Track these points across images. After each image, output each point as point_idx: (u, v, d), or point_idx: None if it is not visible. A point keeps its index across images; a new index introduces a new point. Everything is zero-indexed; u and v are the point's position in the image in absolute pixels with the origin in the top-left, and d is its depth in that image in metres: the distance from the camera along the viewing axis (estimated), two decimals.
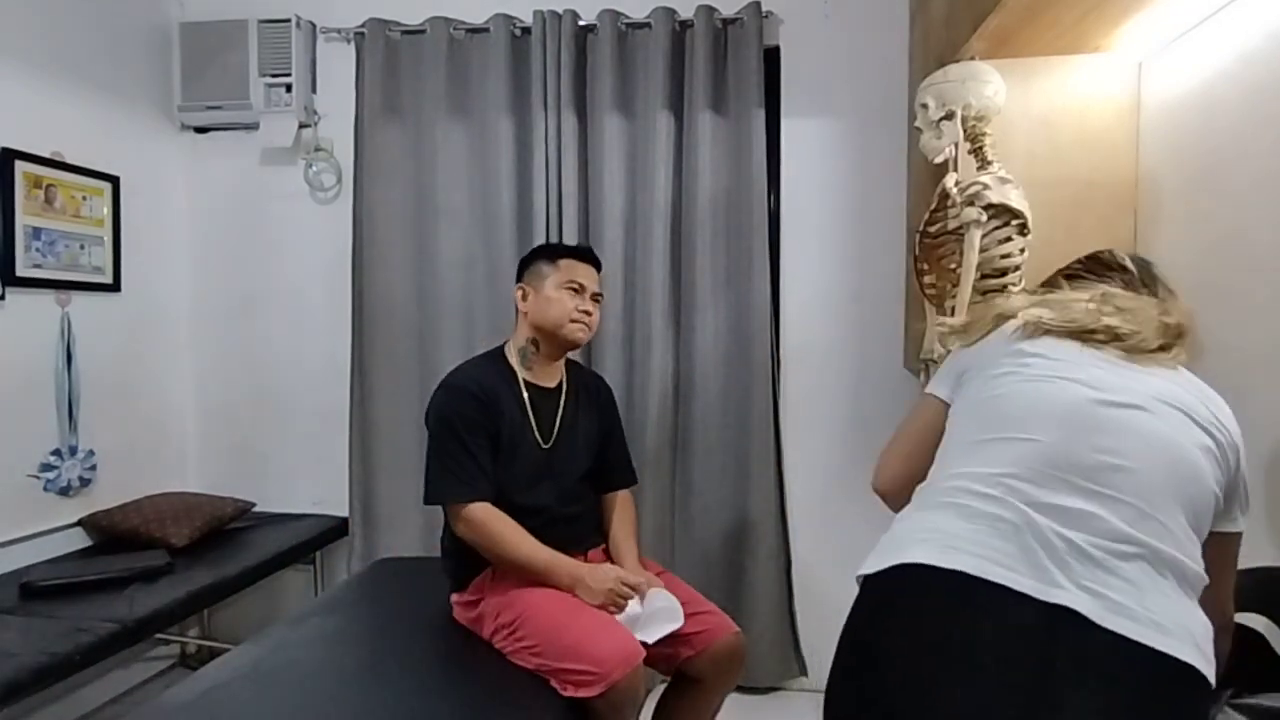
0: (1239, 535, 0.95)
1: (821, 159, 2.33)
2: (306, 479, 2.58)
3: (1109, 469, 0.84)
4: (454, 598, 1.61)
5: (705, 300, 2.30)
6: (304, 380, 2.58)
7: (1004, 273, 1.41)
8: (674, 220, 2.32)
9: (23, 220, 2.07)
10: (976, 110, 1.44)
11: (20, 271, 2.06)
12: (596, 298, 1.69)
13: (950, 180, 1.45)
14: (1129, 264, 1.13)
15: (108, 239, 2.33)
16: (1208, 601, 0.83)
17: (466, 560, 1.57)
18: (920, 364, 1.72)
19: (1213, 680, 0.78)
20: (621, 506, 1.77)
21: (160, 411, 2.54)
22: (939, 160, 1.50)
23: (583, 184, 2.35)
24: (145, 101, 2.46)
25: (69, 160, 2.20)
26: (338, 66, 2.49)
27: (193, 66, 2.50)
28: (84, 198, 2.25)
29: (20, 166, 2.06)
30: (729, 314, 2.32)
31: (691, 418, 2.32)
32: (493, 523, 1.51)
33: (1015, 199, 1.38)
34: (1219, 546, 0.91)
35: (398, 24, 2.41)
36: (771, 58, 2.32)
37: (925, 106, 1.48)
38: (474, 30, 2.38)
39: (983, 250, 1.38)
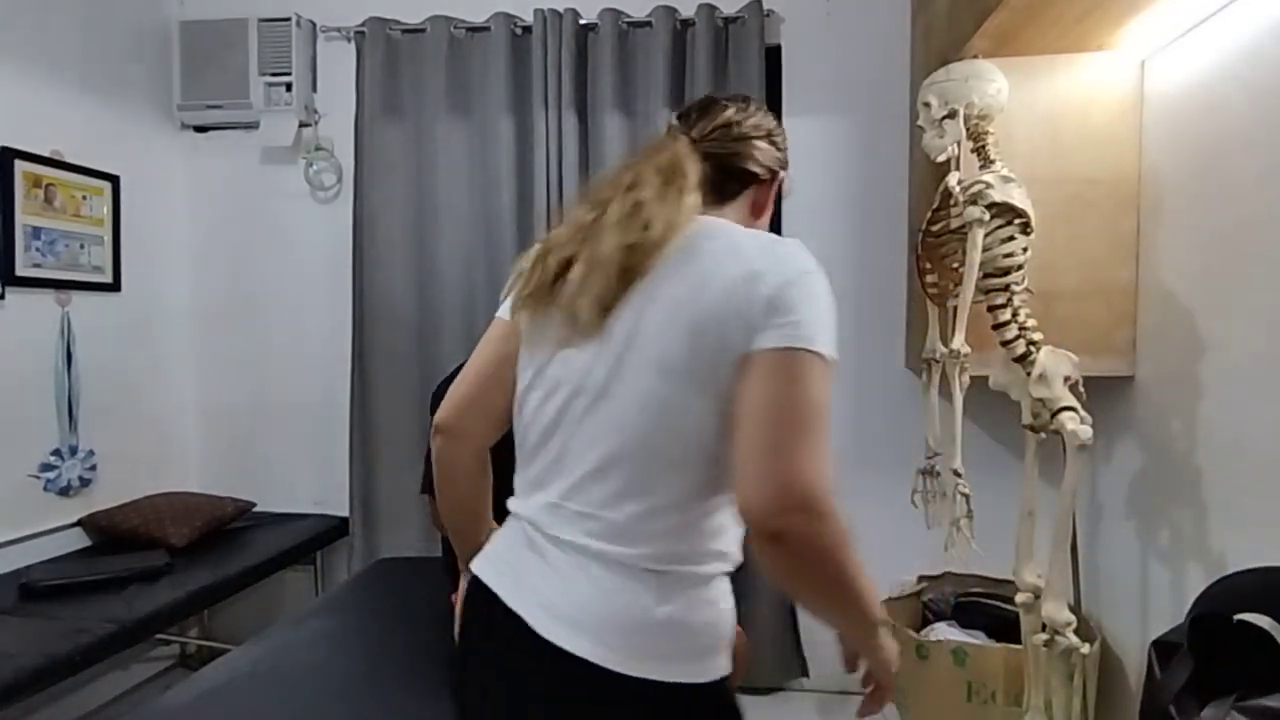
0: (779, 352, 0.73)
1: (823, 158, 2.33)
2: (307, 479, 2.57)
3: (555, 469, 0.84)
4: (454, 597, 1.60)
5: None
6: (304, 380, 2.58)
7: (1006, 272, 1.40)
8: None
9: (22, 220, 2.07)
10: (979, 109, 1.44)
11: (20, 271, 2.06)
12: None
13: (953, 179, 1.45)
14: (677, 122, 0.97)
15: (107, 238, 2.33)
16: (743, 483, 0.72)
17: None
18: (922, 363, 1.72)
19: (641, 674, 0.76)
20: None
21: (160, 411, 2.53)
22: (941, 159, 1.50)
23: (583, 183, 2.34)
24: (145, 101, 2.46)
25: (69, 160, 2.19)
26: (338, 65, 2.48)
27: (193, 66, 2.50)
28: (84, 197, 2.25)
29: (20, 166, 2.05)
30: None
31: None
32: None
33: (1018, 198, 1.37)
34: (746, 379, 0.73)
35: (398, 23, 2.40)
36: (773, 57, 2.32)
37: (928, 105, 1.47)
38: (474, 29, 2.37)
39: (985, 249, 1.38)
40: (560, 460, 0.82)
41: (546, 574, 0.80)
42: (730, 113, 0.93)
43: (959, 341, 1.41)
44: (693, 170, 0.87)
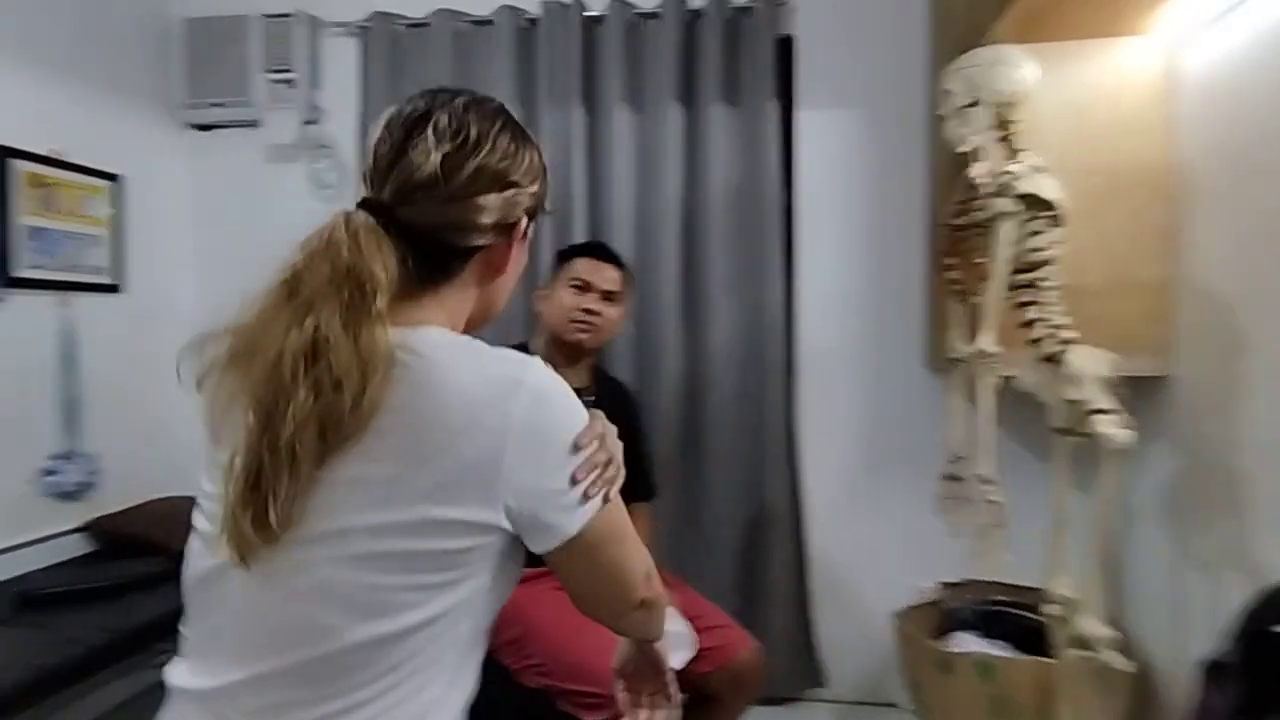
0: (570, 540, 0.68)
1: (838, 151, 2.25)
2: None
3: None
4: None
5: (718, 299, 2.24)
6: None
7: (1035, 267, 1.33)
8: (685, 217, 2.25)
9: (21, 220, 2.03)
10: (1005, 96, 1.37)
11: (19, 272, 2.02)
12: (609, 296, 1.60)
13: (978, 170, 1.38)
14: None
15: (109, 239, 2.29)
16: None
17: None
18: (945, 364, 1.65)
19: None
20: (638, 520, 1.69)
21: (165, 414, 2.49)
22: (965, 149, 1.43)
23: (591, 180, 2.29)
24: (147, 99, 2.42)
25: (69, 159, 2.16)
26: (341, 62, 2.44)
27: (195, 63, 2.46)
28: (85, 197, 2.21)
29: (19, 165, 2.01)
30: (742, 313, 2.25)
31: (704, 420, 2.25)
32: None
33: (1048, 189, 1.30)
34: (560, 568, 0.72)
35: (402, 17, 2.36)
36: (785, 47, 2.25)
37: (950, 93, 1.41)
38: (479, 22, 2.32)
39: (1013, 244, 1.31)
40: None
41: None
42: (434, 157, 0.67)
43: (987, 341, 1.34)
44: (380, 269, 0.64)
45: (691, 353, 2.28)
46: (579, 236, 2.25)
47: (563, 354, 1.59)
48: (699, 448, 2.27)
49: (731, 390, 2.24)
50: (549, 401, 0.68)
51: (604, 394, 1.68)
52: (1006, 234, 1.30)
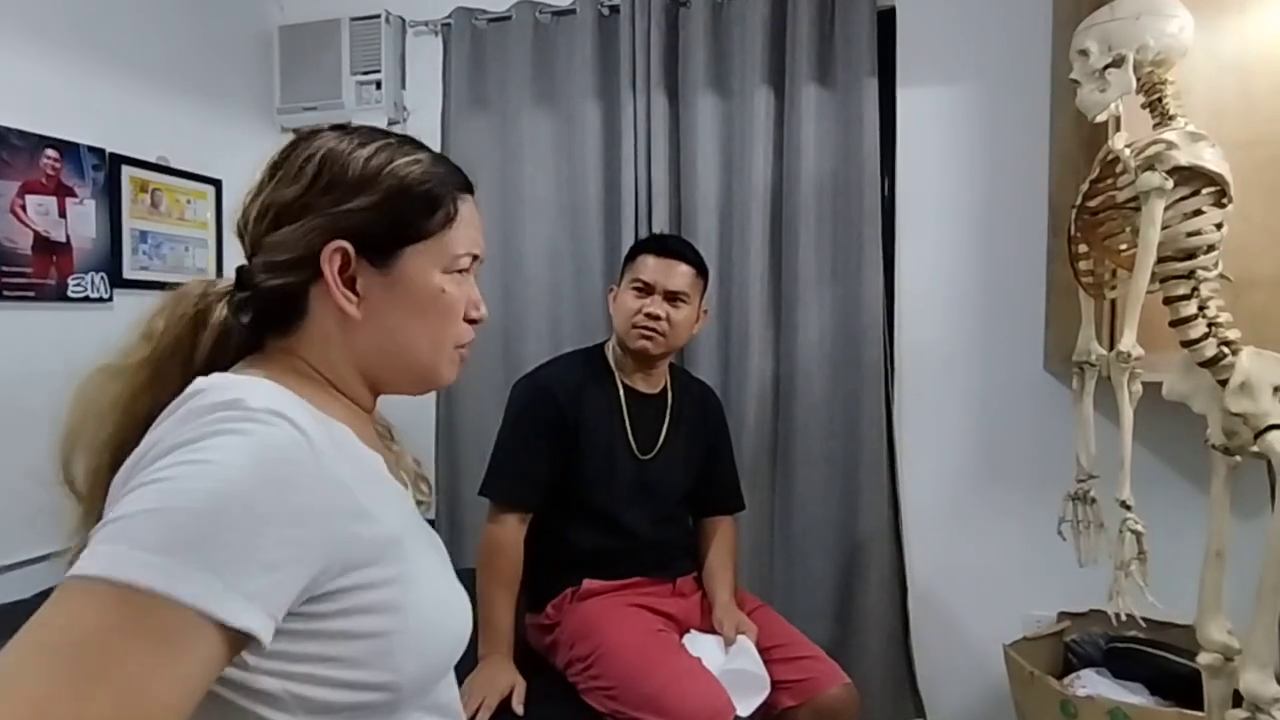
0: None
1: (944, 131, 2.05)
2: None
3: None
4: (528, 618, 1.48)
5: (809, 295, 2.08)
6: None
7: (1192, 254, 1.12)
8: (774, 206, 2.11)
9: (130, 224, 2.13)
10: (1155, 53, 1.15)
11: (128, 274, 2.12)
12: (676, 298, 1.44)
13: (1120, 140, 1.18)
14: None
15: (211, 241, 2.38)
16: None
17: (544, 577, 1.44)
18: (1072, 367, 1.44)
19: None
20: (722, 534, 1.58)
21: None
22: (1102, 118, 1.23)
23: (673, 169, 2.18)
24: (246, 105, 2.50)
25: (174, 165, 2.25)
26: (425, 60, 2.44)
27: (290, 68, 2.52)
28: (188, 201, 2.30)
29: (127, 171, 2.11)
30: (836, 309, 2.09)
31: (793, 425, 2.10)
32: (495, 556, 1.34)
33: (1210, 160, 1.09)
34: None
35: (484, 12, 2.33)
36: (886, 20, 2.06)
37: (1085, 53, 1.21)
38: (560, 13, 2.25)
39: (1165, 226, 1.10)
40: None
41: None
42: (244, 209, 0.68)
43: (1129, 342, 1.14)
44: (166, 322, 0.64)
45: (779, 354, 2.13)
46: (660, 229, 2.15)
47: (632, 359, 1.49)
48: (787, 457, 2.12)
49: (823, 394, 2.08)
50: (195, 420, 0.53)
51: (685, 395, 1.56)
52: (1155, 215, 1.09)
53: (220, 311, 0.65)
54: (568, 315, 2.26)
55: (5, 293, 1.80)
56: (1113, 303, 1.47)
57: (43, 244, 1.89)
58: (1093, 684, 1.69)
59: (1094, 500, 1.43)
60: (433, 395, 2.38)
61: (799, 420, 2.10)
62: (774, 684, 1.28)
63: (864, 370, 2.05)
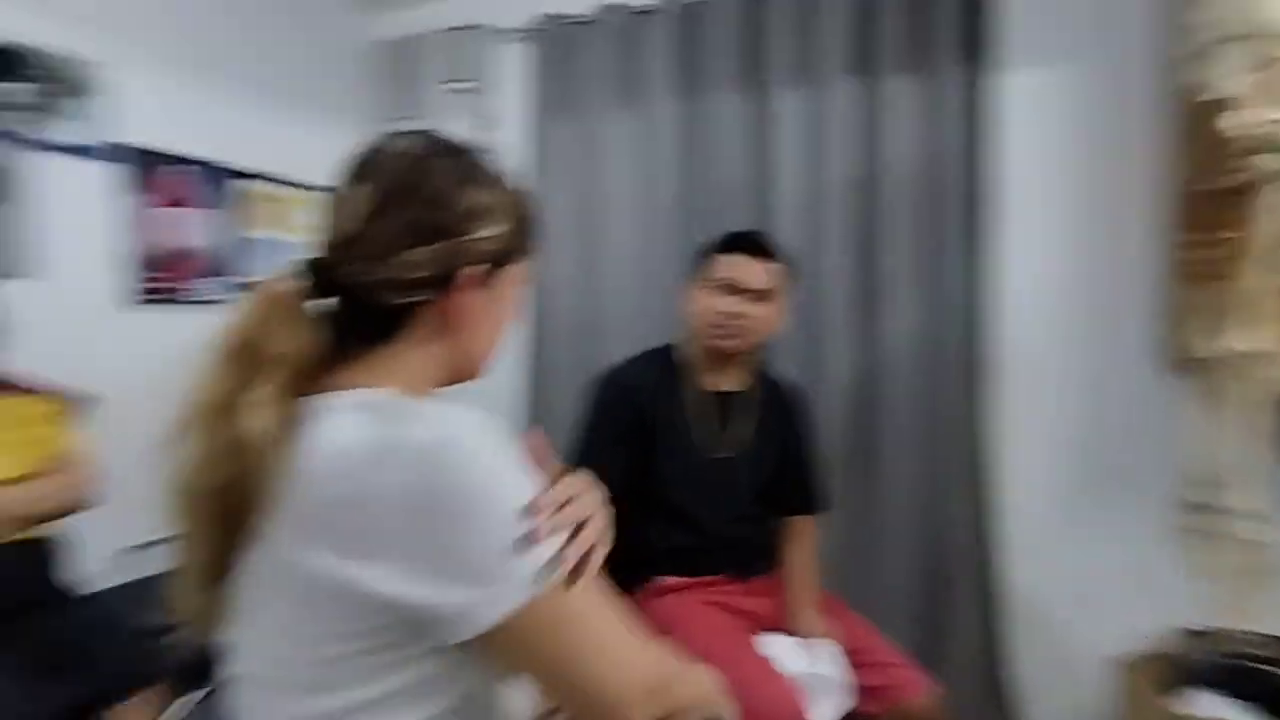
0: (490, 633, 0.57)
1: (1046, 114, 1.93)
2: None
3: None
4: None
5: (897, 290, 2.02)
6: (493, 381, 2.63)
7: None
8: (858, 200, 2.06)
9: (248, 233, 2.31)
10: (1270, 27, 1.06)
11: (244, 278, 2.30)
12: (756, 295, 1.42)
13: (1234, 120, 1.09)
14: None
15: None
16: None
17: (623, 571, 1.46)
18: (1190, 364, 1.33)
19: None
20: (803, 534, 1.55)
21: None
22: (1214, 97, 1.14)
23: (754, 164, 2.16)
24: (349, 118, 2.64)
25: (286, 176, 2.42)
26: (513, 67, 2.51)
27: (391, 81, 2.66)
28: (299, 209, 2.47)
29: (245, 183, 2.29)
30: (926, 305, 2.01)
31: (879, 426, 2.05)
32: None
33: None
34: None
35: (568, 16, 2.38)
36: (976, 2, 1.96)
37: (1196, 28, 1.12)
38: (642, 11, 2.27)
39: None
40: None
41: None
42: (357, 213, 0.65)
43: (1250, 336, 1.06)
44: (280, 344, 0.62)
45: (865, 351, 2.08)
46: (740, 227, 2.14)
47: (711, 359, 1.49)
48: (871, 456, 2.06)
49: (911, 393, 2.02)
50: (443, 464, 0.57)
51: (765, 396, 1.55)
52: (1274, 199, 1.00)
53: (310, 319, 0.65)
54: (648, 316, 2.28)
55: (147, 296, 2.01)
56: (1236, 296, 1.35)
57: (176, 252, 2.09)
58: (1210, 706, 1.57)
59: (1212, 509, 1.32)
60: (521, 397, 2.45)
61: (885, 421, 2.04)
62: (855, 690, 1.26)
63: (956, 368, 1.97)
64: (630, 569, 1.44)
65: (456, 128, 2.50)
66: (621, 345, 2.25)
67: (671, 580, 1.40)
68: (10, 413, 1.46)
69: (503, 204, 0.69)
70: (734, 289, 1.42)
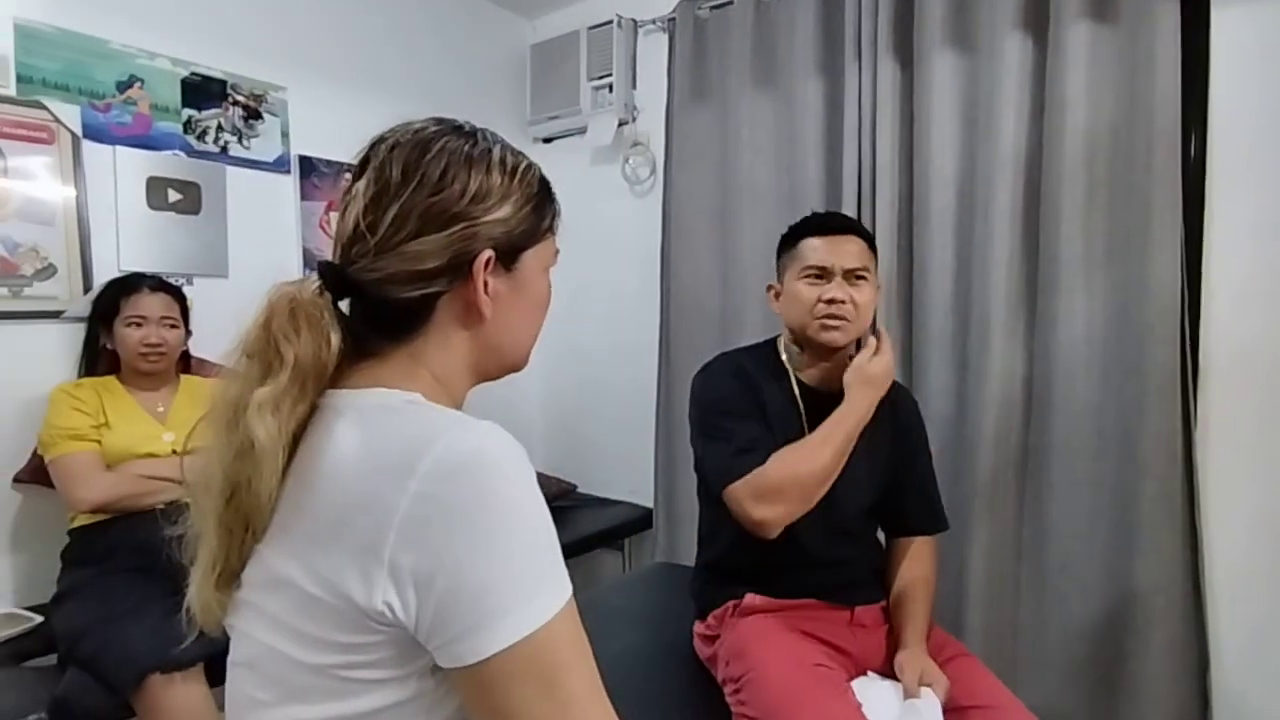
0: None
1: (1269, 64, 1.52)
2: (622, 467, 2.65)
3: None
4: (696, 626, 1.42)
5: (1073, 280, 1.70)
6: (621, 371, 2.65)
7: None
8: (1029, 175, 1.76)
9: None
10: None
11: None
12: (856, 276, 1.27)
13: None
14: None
15: None
16: None
17: (712, 584, 1.37)
18: None
19: None
20: (916, 557, 1.36)
21: (512, 394, 2.86)
22: None
23: (904, 141, 1.94)
24: (505, 120, 2.77)
25: None
26: (653, 57, 2.48)
27: (540, 82, 2.74)
28: None
29: None
30: (1111, 298, 1.68)
31: (1049, 438, 1.74)
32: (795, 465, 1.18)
33: None
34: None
35: (707, 2, 2.29)
36: None
37: None
38: None
39: None
40: None
41: None
42: (356, 209, 0.63)
43: None
44: (303, 341, 0.60)
45: (1032, 352, 1.79)
46: (886, 210, 1.94)
47: (817, 356, 1.33)
48: (1039, 474, 1.77)
49: (1090, 404, 1.69)
50: (465, 475, 0.54)
51: (889, 395, 1.36)
52: None
53: (330, 321, 0.63)
54: None
55: None
56: None
57: None
58: None
59: None
60: (655, 389, 2.43)
61: (1057, 433, 1.74)
62: None
63: (1150, 376, 1.62)
64: (718, 582, 1.35)
65: (601, 121, 2.54)
66: (759, 338, 2.13)
67: (759, 599, 1.27)
68: (206, 392, 1.69)
69: (511, 185, 0.66)
70: (833, 273, 1.27)
